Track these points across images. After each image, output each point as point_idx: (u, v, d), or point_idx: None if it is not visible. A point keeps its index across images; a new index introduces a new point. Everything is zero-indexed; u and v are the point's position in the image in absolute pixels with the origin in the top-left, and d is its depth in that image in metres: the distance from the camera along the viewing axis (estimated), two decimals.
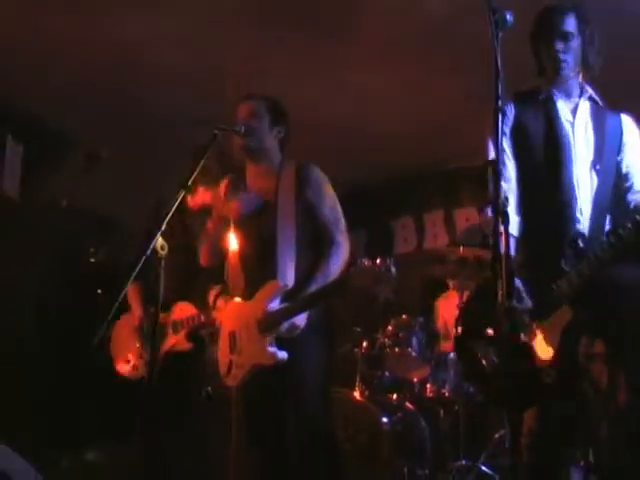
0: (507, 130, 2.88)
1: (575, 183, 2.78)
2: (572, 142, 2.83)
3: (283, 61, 4.82)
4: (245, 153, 3.27)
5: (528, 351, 2.60)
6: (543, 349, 2.60)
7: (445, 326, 5.27)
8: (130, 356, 3.93)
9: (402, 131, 5.78)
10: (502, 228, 2.12)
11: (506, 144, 2.86)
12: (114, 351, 4.02)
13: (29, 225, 5.23)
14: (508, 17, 2.26)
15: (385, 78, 5.05)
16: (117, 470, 4.23)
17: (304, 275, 3.09)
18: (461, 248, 4.97)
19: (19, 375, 4.23)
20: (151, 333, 2.96)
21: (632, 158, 2.86)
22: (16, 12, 4.31)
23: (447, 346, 5.05)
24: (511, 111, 2.89)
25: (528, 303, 2.65)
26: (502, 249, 2.12)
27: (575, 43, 2.85)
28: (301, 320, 3.01)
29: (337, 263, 3.09)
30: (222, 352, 3.27)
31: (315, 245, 3.18)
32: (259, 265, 3.17)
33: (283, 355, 2.99)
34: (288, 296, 3.05)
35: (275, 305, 3.04)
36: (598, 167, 2.80)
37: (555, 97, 2.90)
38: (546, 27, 2.87)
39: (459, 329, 3.02)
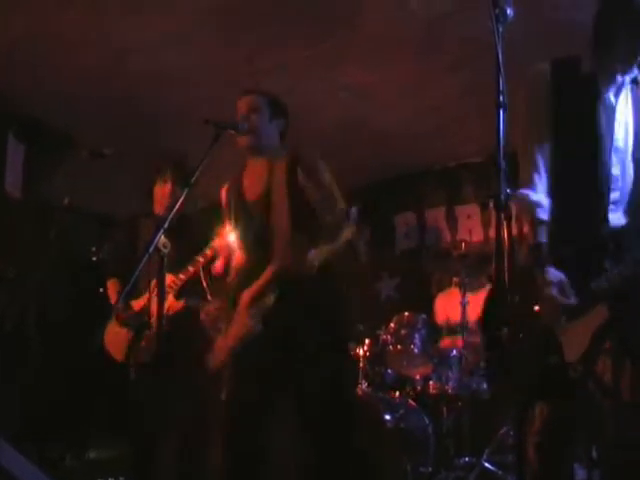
0: None
1: (614, 171, 2.56)
2: (613, 127, 2.56)
3: (282, 60, 4.81)
4: (248, 151, 3.26)
5: (559, 345, 2.51)
6: (568, 349, 2.51)
7: (447, 322, 5.26)
8: (123, 345, 3.92)
9: (403, 128, 5.78)
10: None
11: None
12: (109, 346, 3.93)
13: (31, 224, 5.24)
14: (509, 11, 2.26)
15: (385, 76, 5.03)
16: (120, 468, 4.23)
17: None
18: (463, 244, 5.00)
19: (22, 372, 4.24)
20: (159, 321, 2.94)
21: None
22: (18, 12, 4.30)
23: (449, 342, 5.05)
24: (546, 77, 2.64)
25: (572, 300, 2.52)
26: (504, 244, 2.10)
27: None
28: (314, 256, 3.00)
29: (332, 242, 3.09)
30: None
31: (312, 229, 3.13)
32: (255, 253, 3.16)
33: (258, 328, 2.97)
34: None
35: None
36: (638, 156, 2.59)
37: (600, 74, 2.60)
38: None
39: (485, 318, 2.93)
